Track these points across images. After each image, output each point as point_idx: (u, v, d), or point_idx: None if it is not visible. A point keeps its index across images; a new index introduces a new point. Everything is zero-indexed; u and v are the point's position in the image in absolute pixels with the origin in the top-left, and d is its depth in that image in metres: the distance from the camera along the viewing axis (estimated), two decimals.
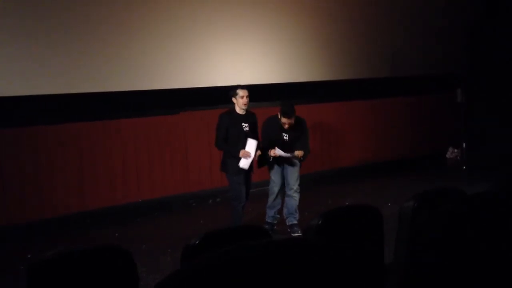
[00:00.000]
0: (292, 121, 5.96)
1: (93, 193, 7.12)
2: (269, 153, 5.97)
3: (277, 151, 5.92)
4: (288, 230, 6.21)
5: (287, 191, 6.22)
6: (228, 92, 5.92)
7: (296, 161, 6.20)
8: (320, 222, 2.78)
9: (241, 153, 5.71)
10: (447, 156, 10.56)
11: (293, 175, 6.18)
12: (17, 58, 6.59)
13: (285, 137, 6.08)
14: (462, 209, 2.39)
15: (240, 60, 8.31)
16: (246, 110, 5.88)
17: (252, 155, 5.76)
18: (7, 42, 6.53)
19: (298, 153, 6.03)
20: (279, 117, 6.00)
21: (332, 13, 9.26)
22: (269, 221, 6.30)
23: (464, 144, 9.83)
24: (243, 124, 5.81)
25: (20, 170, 6.63)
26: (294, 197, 6.19)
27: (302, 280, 1.47)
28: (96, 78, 7.13)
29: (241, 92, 5.77)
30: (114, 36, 7.25)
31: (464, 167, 9.59)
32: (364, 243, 2.85)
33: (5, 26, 6.52)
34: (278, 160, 6.11)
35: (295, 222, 6.20)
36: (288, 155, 5.98)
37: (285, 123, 5.96)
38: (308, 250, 1.52)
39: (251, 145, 5.77)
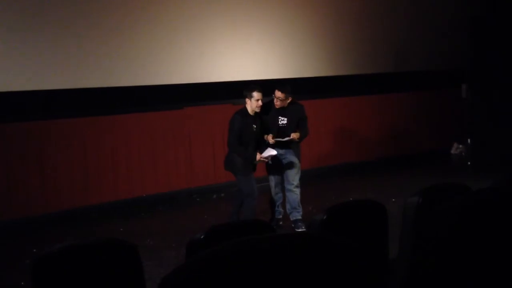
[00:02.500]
0: (283, 96, 5.96)
1: (97, 188, 7.15)
2: (266, 138, 5.97)
3: (273, 140, 5.95)
4: (292, 225, 6.20)
5: (287, 186, 6.18)
6: (242, 87, 5.88)
7: (295, 158, 6.18)
8: (324, 217, 2.79)
9: (258, 156, 5.72)
10: (452, 152, 10.54)
11: (292, 170, 6.15)
12: (21, 53, 6.60)
13: (281, 122, 6.07)
14: (467, 205, 2.39)
15: (245, 55, 8.30)
16: None
17: (269, 157, 5.80)
18: (11, 38, 6.54)
19: (294, 135, 6.02)
20: (273, 95, 6.02)
21: (337, 9, 9.24)
22: (275, 216, 6.29)
23: (469, 140, 9.80)
24: (253, 125, 5.81)
25: (25, 164, 6.65)
26: (294, 192, 6.15)
27: (306, 274, 1.48)
28: (99, 73, 7.14)
29: (256, 95, 5.70)
30: (118, 31, 7.26)
31: (469, 163, 9.57)
32: (369, 239, 2.85)
33: (10, 22, 6.53)
34: (275, 145, 6.04)
35: (299, 217, 6.19)
36: (284, 139, 5.98)
37: (277, 98, 5.96)
38: (313, 243, 1.52)
39: (268, 152, 5.78)
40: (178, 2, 7.71)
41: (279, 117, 6.08)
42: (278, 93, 5.97)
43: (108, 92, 7.24)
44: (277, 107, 6.03)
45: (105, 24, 7.14)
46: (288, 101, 6.06)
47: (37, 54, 6.69)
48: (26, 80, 6.65)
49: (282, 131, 6.06)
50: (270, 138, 5.97)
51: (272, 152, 5.79)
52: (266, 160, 5.82)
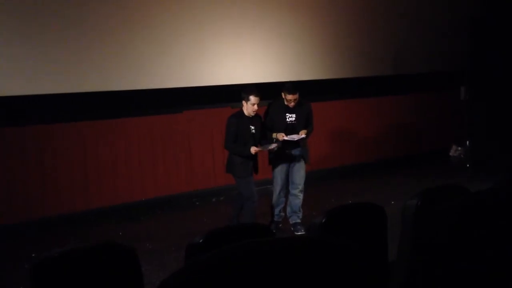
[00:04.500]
0: (297, 97, 5.95)
1: (97, 192, 7.14)
2: (276, 136, 5.92)
3: (286, 137, 5.89)
4: (292, 228, 6.20)
5: (292, 190, 6.17)
6: (240, 91, 5.87)
7: (302, 160, 6.16)
8: (323, 220, 2.79)
9: (253, 149, 5.69)
10: (451, 154, 10.54)
11: (299, 173, 6.14)
12: (20, 57, 6.60)
13: (289, 119, 6.05)
14: (466, 207, 2.39)
15: (244, 58, 8.31)
16: None
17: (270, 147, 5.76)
18: (10, 42, 6.55)
19: (303, 132, 5.99)
20: (283, 96, 5.99)
21: (335, 11, 9.25)
22: (274, 219, 6.28)
23: (467, 142, 9.81)
24: (250, 126, 5.79)
25: (24, 168, 6.64)
26: (298, 197, 6.15)
27: (306, 277, 1.47)
28: (99, 77, 7.14)
29: (253, 100, 5.68)
30: (118, 35, 7.26)
31: (468, 165, 9.57)
32: (368, 241, 2.85)
33: (8, 26, 6.53)
34: (284, 148, 6.02)
35: (298, 220, 6.19)
36: (294, 138, 5.94)
37: (290, 100, 5.93)
38: (312, 247, 1.52)
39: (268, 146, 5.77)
40: (176, 6, 7.72)
41: (287, 114, 6.04)
42: (290, 96, 5.92)
43: (107, 96, 7.23)
44: (291, 107, 6.01)
45: (103, 28, 7.15)
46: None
47: (37, 58, 6.69)
48: (26, 84, 6.64)
49: (290, 128, 6.01)
50: (281, 136, 5.90)
51: (272, 145, 5.76)
52: (260, 149, 5.75)
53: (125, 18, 7.32)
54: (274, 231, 6.03)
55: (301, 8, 8.85)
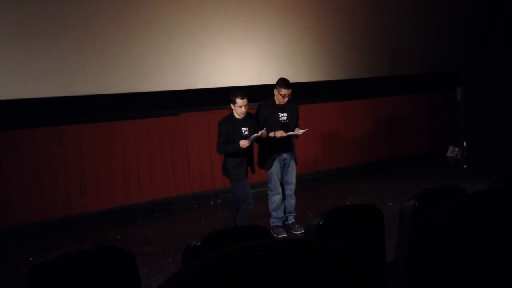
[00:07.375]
0: (291, 92, 5.95)
1: (94, 195, 7.13)
2: (275, 134, 5.88)
3: (285, 134, 5.89)
4: (290, 229, 6.22)
5: (288, 191, 6.20)
6: (229, 94, 5.88)
7: (294, 161, 6.18)
8: (321, 222, 2.79)
9: (242, 143, 5.64)
10: (448, 155, 10.55)
11: (293, 174, 6.19)
12: (18, 61, 6.60)
13: (282, 118, 6.04)
14: (463, 208, 2.39)
15: (240, 61, 8.31)
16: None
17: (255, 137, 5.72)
18: (7, 45, 6.54)
19: (300, 130, 6.00)
20: (277, 93, 5.97)
21: (331, 13, 9.26)
22: (279, 223, 6.23)
23: (464, 142, 9.82)
24: (242, 128, 5.78)
25: (21, 172, 6.64)
26: (292, 197, 6.22)
27: (303, 280, 1.48)
28: (96, 80, 7.14)
29: (240, 102, 5.68)
30: (115, 38, 7.26)
31: (465, 166, 9.59)
32: (366, 243, 2.86)
33: (5, 29, 6.53)
34: (278, 150, 6.03)
35: (294, 220, 6.26)
36: (298, 133, 5.96)
37: (285, 95, 5.92)
38: (310, 249, 1.52)
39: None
40: (173, 9, 7.72)
41: (279, 113, 6.05)
42: (285, 91, 5.90)
43: (104, 99, 7.24)
44: (284, 103, 5.99)
45: (101, 32, 7.14)
46: None
47: (34, 62, 6.68)
48: (23, 88, 6.64)
49: (284, 127, 6.02)
50: (280, 134, 5.88)
51: (259, 132, 5.72)
52: (249, 143, 5.66)
53: (123, 21, 7.31)
54: (283, 235, 6.04)
55: (297, 10, 8.86)
